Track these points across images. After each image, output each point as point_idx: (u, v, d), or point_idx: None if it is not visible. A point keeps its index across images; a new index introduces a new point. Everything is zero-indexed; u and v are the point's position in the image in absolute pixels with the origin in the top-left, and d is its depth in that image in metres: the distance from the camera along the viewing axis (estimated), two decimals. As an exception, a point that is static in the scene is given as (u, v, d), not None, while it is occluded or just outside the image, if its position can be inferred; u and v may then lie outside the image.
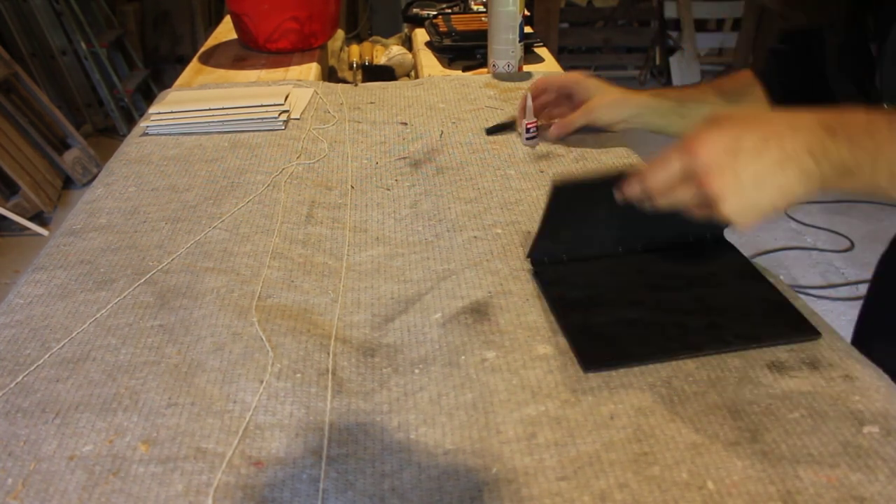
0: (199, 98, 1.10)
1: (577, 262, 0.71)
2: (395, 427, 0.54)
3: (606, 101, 0.92)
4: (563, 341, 0.61)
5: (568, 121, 0.94)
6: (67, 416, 0.55)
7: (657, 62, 4.41)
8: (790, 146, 0.53)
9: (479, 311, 0.65)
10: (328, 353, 0.61)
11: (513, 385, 0.57)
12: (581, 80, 0.96)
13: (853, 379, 0.56)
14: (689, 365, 0.58)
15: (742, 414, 0.53)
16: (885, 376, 0.57)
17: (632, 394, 0.56)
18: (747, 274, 0.70)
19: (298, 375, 0.58)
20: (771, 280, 0.68)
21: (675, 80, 4.29)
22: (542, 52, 1.44)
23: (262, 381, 0.58)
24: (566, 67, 1.36)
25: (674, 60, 4.31)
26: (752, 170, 0.53)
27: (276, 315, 0.66)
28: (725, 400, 0.55)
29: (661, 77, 4.41)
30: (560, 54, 4.09)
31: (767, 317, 0.64)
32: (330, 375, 0.59)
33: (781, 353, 0.59)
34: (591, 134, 0.97)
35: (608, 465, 0.50)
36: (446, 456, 0.51)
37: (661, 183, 0.57)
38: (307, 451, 0.52)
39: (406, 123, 1.08)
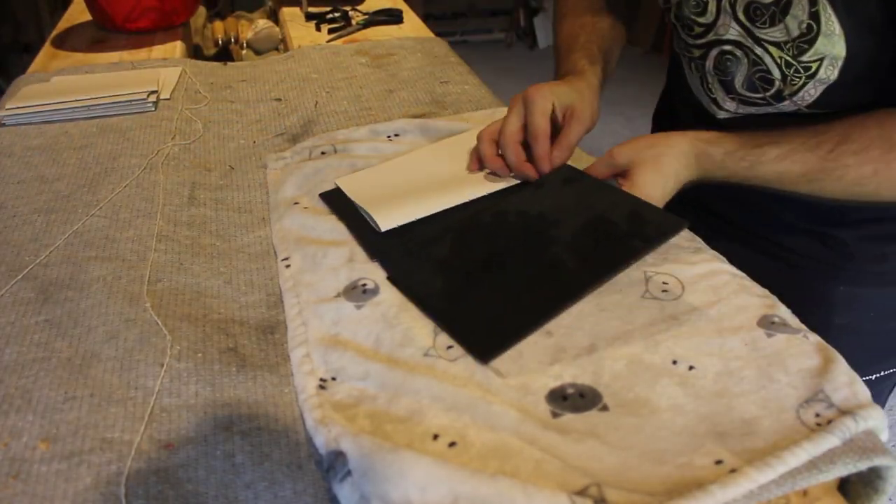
0: (63, 89, 1.04)
1: (420, 249, 0.67)
2: (304, 395, 0.54)
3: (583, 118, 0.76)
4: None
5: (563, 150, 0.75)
6: (-45, 424, 0.52)
7: (522, 24, 4.50)
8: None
9: (375, 276, 0.66)
10: (227, 334, 0.61)
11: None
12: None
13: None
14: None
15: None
16: None
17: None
18: (573, 179, 0.72)
19: (199, 355, 0.58)
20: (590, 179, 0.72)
21: (541, 40, 4.40)
22: (408, 16, 1.46)
23: (162, 365, 0.57)
24: (435, 33, 1.38)
25: (538, 21, 4.40)
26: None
27: (168, 299, 0.64)
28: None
29: (527, 38, 4.50)
30: (427, 21, 4.10)
31: (629, 224, 0.63)
32: (232, 353, 0.58)
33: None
34: None
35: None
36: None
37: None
38: (218, 428, 0.51)
39: (280, 99, 1.07)
